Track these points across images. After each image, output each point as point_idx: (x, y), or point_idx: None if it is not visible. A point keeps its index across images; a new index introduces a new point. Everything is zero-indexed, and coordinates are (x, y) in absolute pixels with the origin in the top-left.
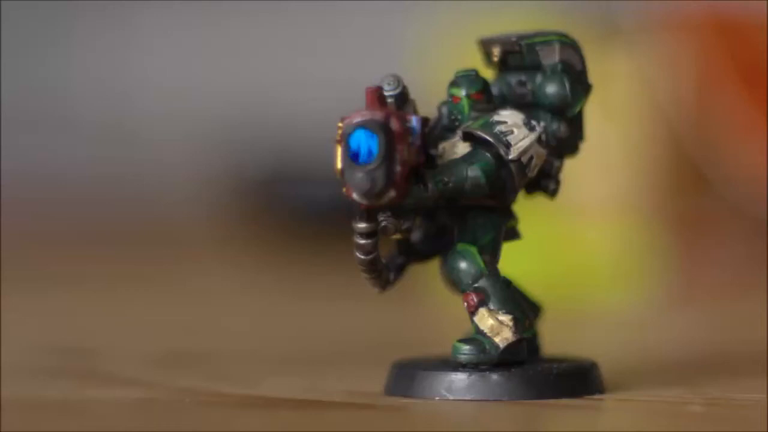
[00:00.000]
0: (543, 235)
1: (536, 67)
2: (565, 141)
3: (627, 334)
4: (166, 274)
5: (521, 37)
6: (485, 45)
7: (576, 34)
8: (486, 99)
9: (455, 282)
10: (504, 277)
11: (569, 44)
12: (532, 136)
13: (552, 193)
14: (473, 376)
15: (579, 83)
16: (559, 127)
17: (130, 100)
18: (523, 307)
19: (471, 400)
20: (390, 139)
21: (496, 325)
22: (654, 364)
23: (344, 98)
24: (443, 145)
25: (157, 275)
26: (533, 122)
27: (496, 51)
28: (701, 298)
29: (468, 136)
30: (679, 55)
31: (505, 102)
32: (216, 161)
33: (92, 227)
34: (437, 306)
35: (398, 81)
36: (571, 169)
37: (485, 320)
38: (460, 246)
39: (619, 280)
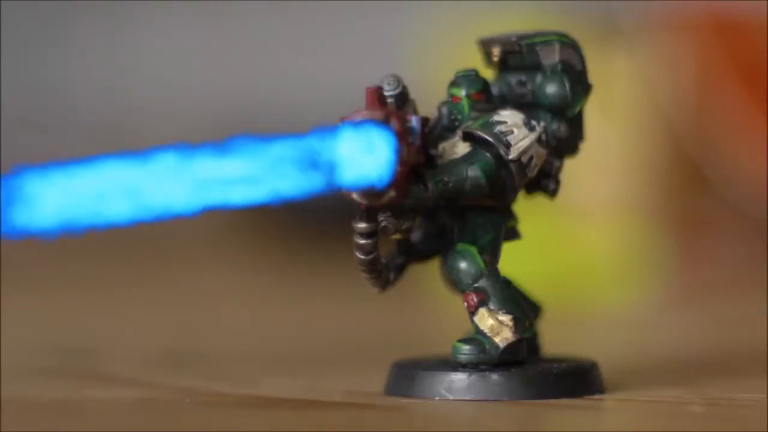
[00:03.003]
0: (543, 235)
1: (536, 67)
2: (565, 141)
3: (627, 334)
4: (165, 274)
5: (521, 37)
6: (485, 45)
7: (576, 34)
8: (486, 99)
9: (455, 282)
10: (504, 277)
11: (569, 44)
12: (532, 136)
13: (552, 193)
14: (473, 376)
15: (579, 83)
16: (559, 127)
17: (130, 100)
18: (523, 307)
19: (471, 400)
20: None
21: (496, 325)
22: (654, 364)
23: (344, 98)
24: (443, 145)
25: (157, 275)
26: (533, 122)
27: (496, 51)
28: (701, 298)
29: (468, 136)
30: (679, 55)
31: (505, 102)
32: None
33: None
34: (437, 306)
35: (398, 81)
36: (571, 169)
37: (485, 320)
38: (460, 246)
39: (619, 280)
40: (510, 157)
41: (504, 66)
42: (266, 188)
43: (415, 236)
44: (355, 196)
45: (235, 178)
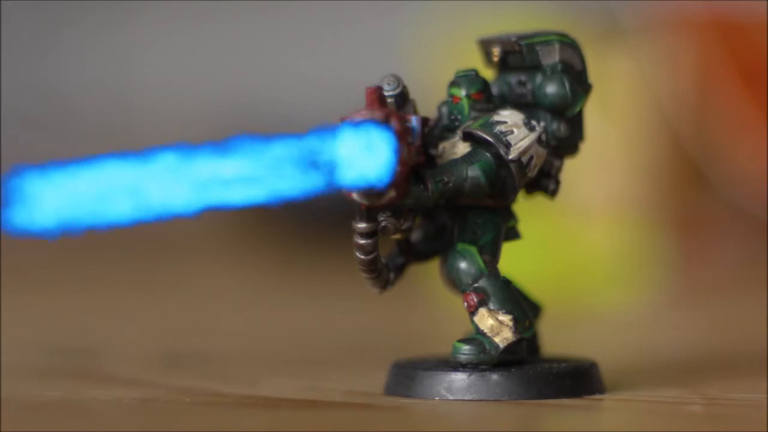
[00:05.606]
0: (543, 235)
1: (536, 67)
2: (565, 141)
3: (627, 334)
4: (165, 274)
5: (521, 37)
6: (485, 45)
7: (576, 34)
8: (486, 99)
9: (455, 282)
10: (504, 277)
11: (569, 44)
12: (532, 136)
13: (552, 193)
14: (473, 376)
15: (579, 83)
16: (559, 127)
17: (130, 100)
18: (523, 307)
19: (471, 400)
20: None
21: (496, 325)
22: (654, 364)
23: (344, 98)
24: (443, 145)
25: (157, 275)
26: (533, 122)
27: (496, 51)
28: (701, 298)
29: (468, 136)
30: (679, 55)
31: (505, 102)
32: None
33: None
34: (437, 306)
35: (398, 81)
36: (571, 169)
37: (485, 320)
38: (460, 246)
39: (619, 280)
40: (510, 157)
41: (504, 66)
42: (266, 188)
43: (415, 236)
44: (355, 196)
45: (234, 178)
